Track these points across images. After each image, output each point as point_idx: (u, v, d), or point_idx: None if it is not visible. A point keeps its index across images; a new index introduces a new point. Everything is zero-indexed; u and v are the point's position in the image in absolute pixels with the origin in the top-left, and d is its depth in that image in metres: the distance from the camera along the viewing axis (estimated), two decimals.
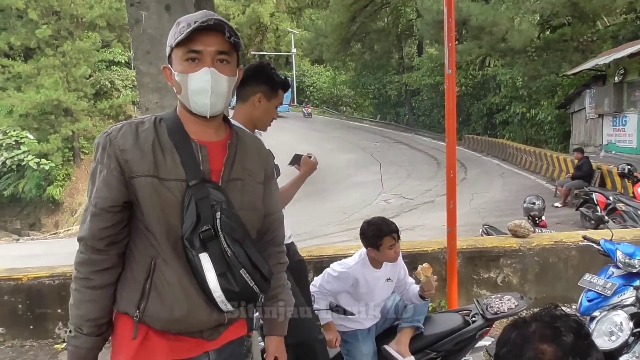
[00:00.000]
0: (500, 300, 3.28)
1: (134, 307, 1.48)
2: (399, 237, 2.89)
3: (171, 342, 1.51)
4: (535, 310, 3.87)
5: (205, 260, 1.41)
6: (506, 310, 3.19)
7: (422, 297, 3.09)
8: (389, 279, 3.08)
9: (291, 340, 2.40)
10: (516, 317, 1.09)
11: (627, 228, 7.31)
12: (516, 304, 3.25)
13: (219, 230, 1.41)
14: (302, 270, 2.58)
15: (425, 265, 3.06)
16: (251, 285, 1.44)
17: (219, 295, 1.42)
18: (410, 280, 3.22)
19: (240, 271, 1.42)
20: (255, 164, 1.60)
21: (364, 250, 3.00)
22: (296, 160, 2.67)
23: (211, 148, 1.52)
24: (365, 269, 2.95)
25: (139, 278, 1.48)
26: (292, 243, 2.57)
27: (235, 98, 2.40)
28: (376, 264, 2.97)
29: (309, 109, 37.58)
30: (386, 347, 3.04)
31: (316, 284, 3.02)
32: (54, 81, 26.48)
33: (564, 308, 1.09)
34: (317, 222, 11.91)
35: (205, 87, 1.44)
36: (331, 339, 2.88)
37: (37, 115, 27.33)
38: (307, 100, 41.74)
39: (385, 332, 3.20)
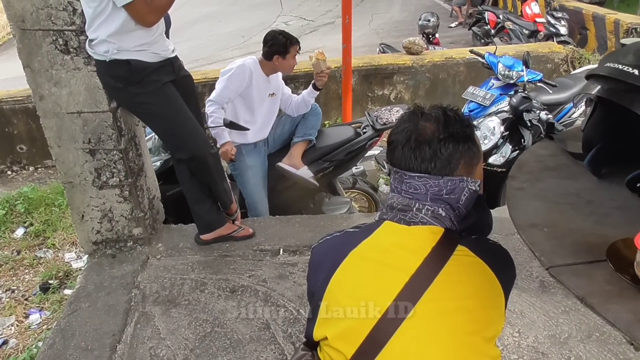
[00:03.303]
0: (389, 111, 3.42)
1: None
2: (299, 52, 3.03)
3: None
4: None
5: None
6: (394, 121, 3.34)
7: (316, 88, 3.17)
8: (274, 93, 3.11)
9: (183, 155, 2.39)
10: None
11: (511, 45, 7.70)
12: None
13: None
14: (189, 86, 2.44)
15: (318, 50, 3.18)
16: None
17: None
18: (294, 95, 3.30)
19: None
20: None
21: (254, 56, 3.04)
22: None
23: None
24: (257, 68, 2.97)
25: None
26: (177, 57, 2.38)
27: None
28: (267, 71, 3.01)
29: None
30: (279, 164, 3.14)
31: (212, 97, 2.96)
32: None
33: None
34: (214, 47, 11.26)
35: None
36: (226, 149, 2.92)
37: None
38: None
39: (279, 152, 3.28)
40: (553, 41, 7.63)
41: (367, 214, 3.11)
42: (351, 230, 1.13)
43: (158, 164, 3.04)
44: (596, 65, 3.92)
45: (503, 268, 1.06)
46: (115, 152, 2.37)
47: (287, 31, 3.04)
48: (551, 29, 8.24)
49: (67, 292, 2.97)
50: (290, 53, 2.95)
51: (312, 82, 3.16)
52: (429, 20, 6.87)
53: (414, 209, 1.04)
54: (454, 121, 1.03)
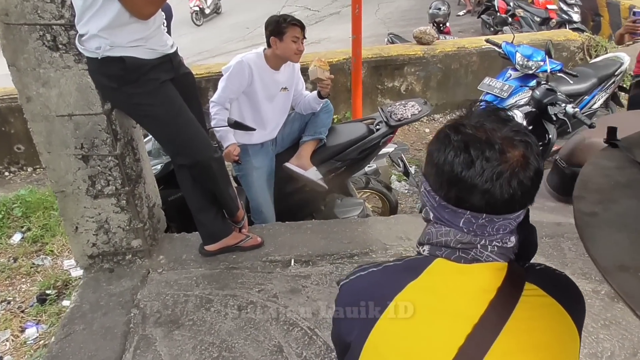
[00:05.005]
0: (404, 106, 3.21)
1: None
2: (304, 37, 2.76)
3: None
4: (438, 116, 3.88)
5: None
6: (410, 116, 3.15)
7: (320, 96, 2.93)
8: (286, 88, 2.89)
9: (185, 161, 2.18)
10: (457, 124, 0.86)
11: (523, 33, 7.48)
12: (419, 109, 3.20)
13: None
14: (189, 84, 2.23)
15: (319, 58, 2.96)
16: None
17: None
18: (307, 92, 3.07)
19: None
20: None
21: (261, 48, 2.82)
22: None
23: None
24: (260, 62, 2.75)
25: None
26: (176, 53, 2.17)
27: None
28: (274, 63, 2.78)
29: None
30: (286, 164, 2.93)
31: (214, 98, 2.77)
32: None
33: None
34: (218, 39, 11.09)
35: None
36: (230, 150, 2.72)
37: None
38: None
39: (288, 150, 3.07)
40: (565, 28, 7.40)
41: (384, 218, 2.90)
42: (391, 265, 0.92)
43: (159, 167, 2.84)
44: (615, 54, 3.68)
45: (575, 305, 0.89)
46: (110, 158, 2.16)
47: None
48: (564, 16, 8.04)
49: (65, 303, 2.81)
50: (287, 34, 2.67)
51: (317, 89, 2.93)
52: (439, 9, 6.63)
53: (479, 245, 0.85)
54: (522, 128, 0.84)
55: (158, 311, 2.12)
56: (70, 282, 3.04)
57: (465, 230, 0.86)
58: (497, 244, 0.86)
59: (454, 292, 0.85)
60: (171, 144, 2.19)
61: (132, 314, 2.12)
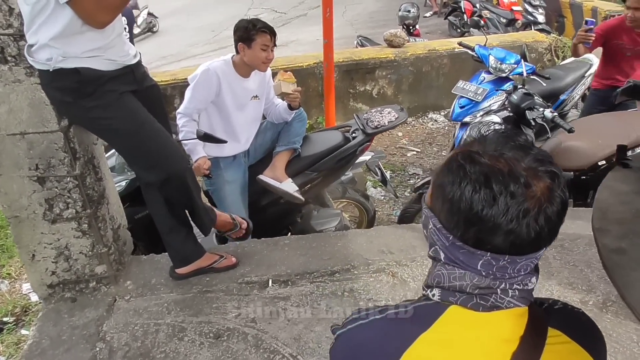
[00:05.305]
0: (380, 113, 3.12)
1: None
2: (274, 44, 2.62)
3: None
4: (411, 119, 3.77)
5: None
6: (386, 124, 3.06)
7: (290, 107, 2.83)
8: (257, 96, 2.76)
9: (156, 176, 1.99)
10: (471, 153, 0.73)
11: (490, 35, 7.54)
12: (396, 116, 3.11)
13: None
14: (155, 97, 2.07)
15: (282, 70, 2.85)
16: None
17: None
18: (279, 100, 2.94)
19: None
20: None
21: (229, 55, 2.69)
22: None
23: None
24: (228, 70, 2.62)
25: None
26: (139, 64, 2.00)
27: None
28: (243, 70, 2.65)
29: None
30: (260, 176, 2.79)
31: (180, 109, 2.62)
32: None
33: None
34: (183, 43, 10.84)
35: None
36: (199, 164, 2.57)
37: None
38: None
39: (261, 162, 2.94)
40: (531, 29, 7.50)
41: (364, 230, 2.79)
42: (394, 313, 0.81)
43: (123, 184, 2.65)
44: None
45: (599, 348, 0.81)
46: (69, 178, 1.98)
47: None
48: (529, 17, 8.17)
49: (25, 332, 2.61)
50: (256, 41, 2.52)
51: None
52: (409, 11, 6.60)
53: (499, 290, 0.74)
54: (542, 154, 0.74)
55: (126, 344, 1.95)
56: (30, 307, 2.83)
57: (483, 273, 0.75)
58: (518, 286, 0.75)
59: (472, 344, 0.74)
60: (139, 159, 2.01)
61: (97, 349, 1.94)
